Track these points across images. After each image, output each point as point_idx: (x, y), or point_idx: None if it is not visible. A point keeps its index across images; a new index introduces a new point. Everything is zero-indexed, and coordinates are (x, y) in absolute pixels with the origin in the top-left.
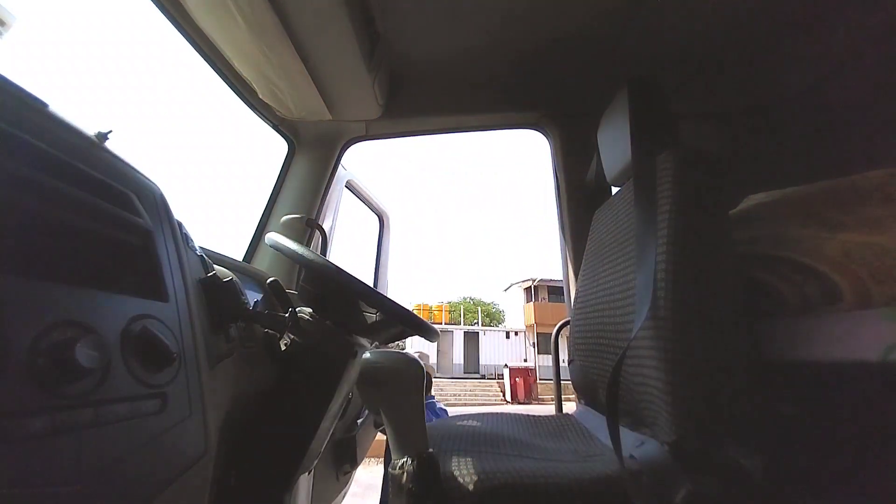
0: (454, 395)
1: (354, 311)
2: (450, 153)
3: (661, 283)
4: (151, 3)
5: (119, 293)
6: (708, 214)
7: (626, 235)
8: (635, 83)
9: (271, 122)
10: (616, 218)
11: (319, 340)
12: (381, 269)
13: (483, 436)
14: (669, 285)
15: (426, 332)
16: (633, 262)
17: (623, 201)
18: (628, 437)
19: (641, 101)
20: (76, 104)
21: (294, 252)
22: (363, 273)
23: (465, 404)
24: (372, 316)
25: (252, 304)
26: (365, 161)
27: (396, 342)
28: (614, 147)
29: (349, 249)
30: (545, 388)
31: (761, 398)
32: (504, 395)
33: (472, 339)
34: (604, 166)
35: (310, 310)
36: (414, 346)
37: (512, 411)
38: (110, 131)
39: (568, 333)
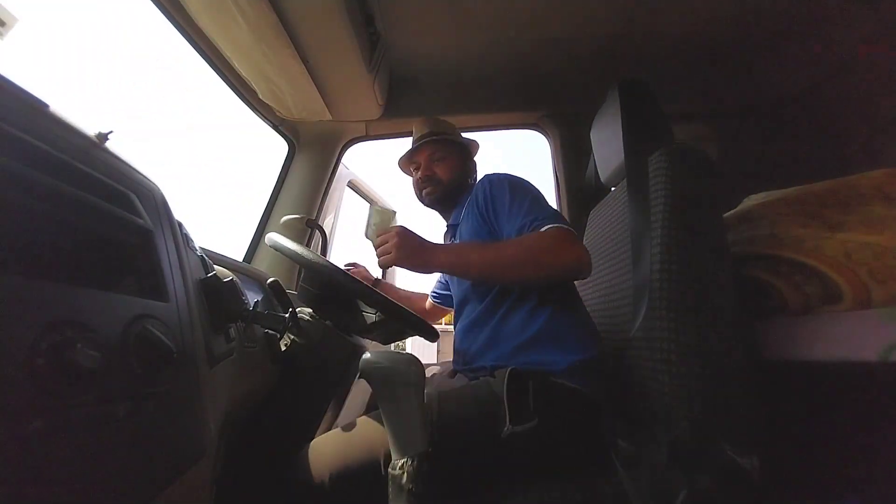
0: None
1: (354, 311)
2: None
3: (656, 282)
4: (151, 3)
5: (119, 293)
6: (702, 213)
7: (621, 235)
8: (626, 83)
9: (271, 123)
10: (611, 218)
11: (319, 340)
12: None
13: None
14: (665, 284)
15: (426, 332)
16: (629, 261)
17: (617, 201)
18: (627, 437)
19: (632, 101)
20: (76, 104)
21: (294, 252)
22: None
23: None
24: (372, 316)
25: (252, 304)
26: (367, 156)
27: (396, 342)
28: (607, 147)
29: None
30: None
31: (761, 398)
32: None
33: None
34: (598, 166)
35: (310, 310)
36: (415, 347)
37: None
38: (111, 131)
39: None
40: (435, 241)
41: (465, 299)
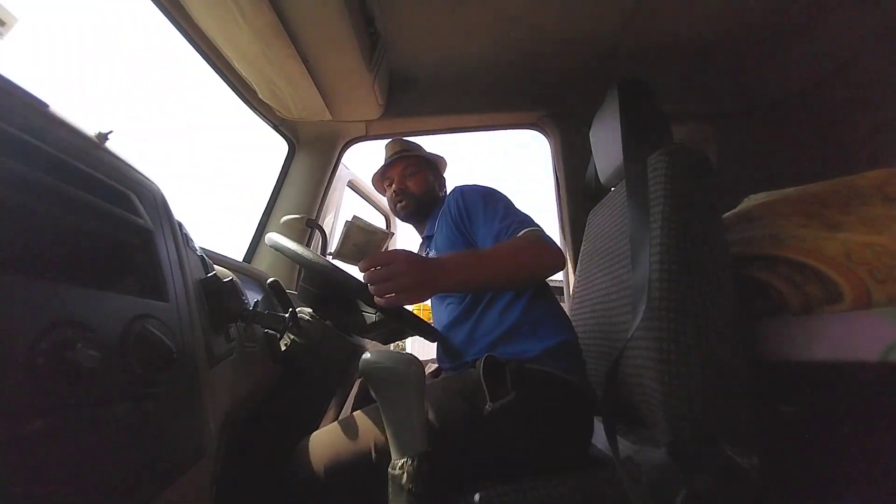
0: None
1: (354, 311)
2: (447, 150)
3: (655, 283)
4: (152, 3)
5: (119, 293)
6: (702, 213)
7: (621, 235)
8: (625, 84)
9: (271, 123)
10: (610, 219)
11: (319, 340)
12: None
13: None
14: (664, 285)
15: (426, 332)
16: (628, 262)
17: (616, 202)
18: (626, 438)
19: (632, 101)
20: (77, 105)
21: (294, 252)
22: None
23: None
24: (371, 316)
25: (252, 304)
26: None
27: (396, 342)
28: (607, 147)
29: None
30: None
31: (761, 398)
32: None
33: None
34: (597, 167)
35: (310, 310)
36: (415, 346)
37: None
38: (111, 131)
39: None
40: (433, 260)
41: (443, 299)
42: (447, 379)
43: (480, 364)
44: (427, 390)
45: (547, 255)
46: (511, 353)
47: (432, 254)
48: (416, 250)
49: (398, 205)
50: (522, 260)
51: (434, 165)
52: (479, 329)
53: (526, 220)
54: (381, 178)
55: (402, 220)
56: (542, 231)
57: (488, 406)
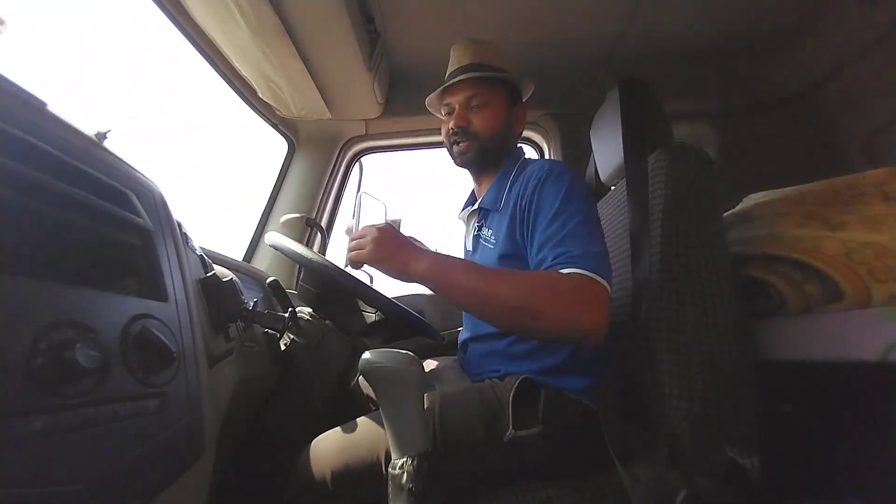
0: None
1: (354, 310)
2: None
3: (655, 282)
4: (152, 3)
5: (119, 293)
6: (702, 213)
7: (621, 235)
8: (626, 83)
9: (271, 122)
10: (611, 218)
11: (319, 340)
12: None
13: None
14: (664, 284)
15: (427, 332)
16: (627, 261)
17: (615, 201)
18: (626, 438)
19: (632, 101)
20: (77, 105)
21: (294, 251)
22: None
23: None
24: (371, 316)
25: (252, 304)
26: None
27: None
28: (607, 147)
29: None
30: None
31: (761, 398)
32: None
33: None
34: (597, 166)
35: (309, 310)
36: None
37: None
38: (109, 131)
39: None
40: (425, 248)
41: None
42: (468, 390)
43: (514, 384)
44: (443, 397)
45: (579, 317)
46: (552, 384)
47: (488, 234)
48: (461, 208)
49: (455, 146)
50: (535, 305)
51: (516, 93)
52: (516, 347)
53: (585, 256)
54: (438, 99)
55: (460, 166)
56: (598, 281)
57: (510, 433)
